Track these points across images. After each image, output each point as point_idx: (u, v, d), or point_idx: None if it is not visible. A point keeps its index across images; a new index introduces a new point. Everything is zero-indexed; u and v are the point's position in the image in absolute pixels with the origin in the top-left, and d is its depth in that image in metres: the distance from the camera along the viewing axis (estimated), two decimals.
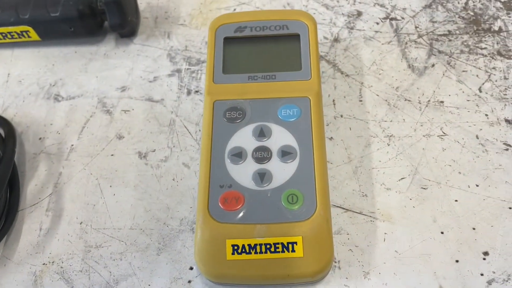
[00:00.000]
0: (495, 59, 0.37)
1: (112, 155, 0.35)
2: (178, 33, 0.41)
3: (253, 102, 0.31)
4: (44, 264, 0.30)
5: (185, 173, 0.33)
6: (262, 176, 0.28)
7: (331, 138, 0.34)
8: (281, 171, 0.28)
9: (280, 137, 0.30)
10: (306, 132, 0.29)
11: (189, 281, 0.29)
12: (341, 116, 0.35)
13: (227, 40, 0.33)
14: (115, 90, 0.38)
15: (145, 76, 0.38)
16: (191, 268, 0.30)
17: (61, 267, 0.30)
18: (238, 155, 0.29)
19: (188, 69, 0.39)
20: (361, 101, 0.36)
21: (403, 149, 0.34)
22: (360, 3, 0.41)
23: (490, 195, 0.31)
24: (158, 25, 0.41)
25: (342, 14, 0.41)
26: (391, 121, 0.35)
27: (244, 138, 0.30)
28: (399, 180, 0.32)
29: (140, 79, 0.38)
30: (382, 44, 0.39)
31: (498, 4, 0.40)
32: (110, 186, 0.33)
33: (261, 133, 0.30)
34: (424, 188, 0.32)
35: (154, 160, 0.34)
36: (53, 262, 0.30)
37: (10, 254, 0.31)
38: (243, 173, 0.28)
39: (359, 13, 0.40)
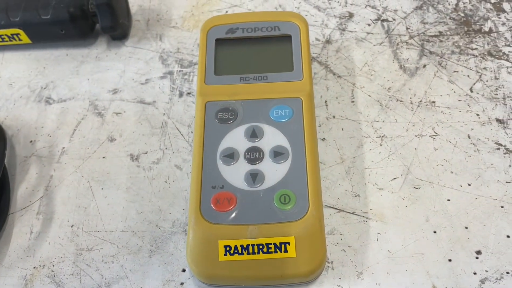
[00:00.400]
0: (485, 60, 0.38)
1: (103, 157, 0.34)
2: (170, 36, 0.41)
3: (245, 103, 0.31)
4: (34, 267, 0.30)
5: (177, 175, 0.33)
6: (254, 177, 0.28)
7: (323, 139, 0.34)
8: (273, 172, 0.28)
9: (272, 138, 0.29)
10: (298, 133, 0.29)
11: (182, 283, 0.29)
12: (334, 117, 0.35)
13: (219, 42, 0.33)
14: (107, 93, 0.38)
15: (137, 79, 0.38)
16: (184, 270, 0.29)
17: (52, 271, 0.30)
18: (230, 156, 0.29)
19: (180, 71, 0.39)
20: (353, 102, 0.36)
21: (396, 149, 0.34)
22: (351, 5, 0.41)
23: (482, 194, 0.31)
24: (150, 28, 0.41)
25: (334, 16, 0.41)
26: (383, 121, 0.35)
27: (236, 139, 0.30)
28: (392, 180, 0.32)
29: (132, 82, 0.38)
30: (374, 45, 0.39)
31: (488, 5, 0.40)
32: (102, 188, 0.33)
33: (253, 134, 0.30)
34: (417, 188, 0.32)
35: (146, 162, 0.34)
36: (44, 265, 0.30)
37: (0, 258, 0.31)
38: (235, 174, 0.28)
39: (351, 15, 0.41)
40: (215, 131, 0.30)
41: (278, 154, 0.29)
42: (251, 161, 0.29)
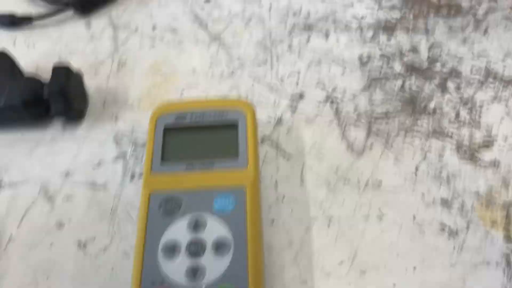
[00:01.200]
0: (430, 139, 0.39)
1: (51, 244, 0.34)
2: (125, 116, 0.41)
3: (189, 192, 0.31)
4: None
5: (125, 263, 0.33)
6: (195, 272, 0.28)
7: (272, 221, 0.35)
8: (215, 265, 0.28)
9: (215, 229, 0.30)
10: (240, 223, 0.30)
11: None
12: (283, 197, 0.36)
13: (167, 130, 0.34)
14: (59, 176, 0.38)
15: (90, 161, 0.39)
16: None
17: None
18: (171, 249, 0.29)
19: (134, 152, 0.39)
20: (302, 182, 0.37)
21: (343, 232, 0.34)
22: (302, 86, 0.43)
23: (427, 278, 0.32)
24: (106, 108, 0.42)
25: (286, 96, 0.42)
26: (331, 202, 0.36)
27: (178, 230, 0.30)
28: (339, 264, 0.32)
29: (84, 164, 0.38)
30: (323, 125, 0.40)
31: (433, 86, 0.42)
32: (47, 278, 0.32)
33: (196, 225, 0.30)
34: (363, 272, 0.32)
35: (94, 249, 0.34)
36: None
37: None
38: (176, 269, 0.28)
39: (301, 96, 0.42)
40: (157, 223, 0.30)
41: (220, 246, 0.29)
42: (193, 254, 0.29)
